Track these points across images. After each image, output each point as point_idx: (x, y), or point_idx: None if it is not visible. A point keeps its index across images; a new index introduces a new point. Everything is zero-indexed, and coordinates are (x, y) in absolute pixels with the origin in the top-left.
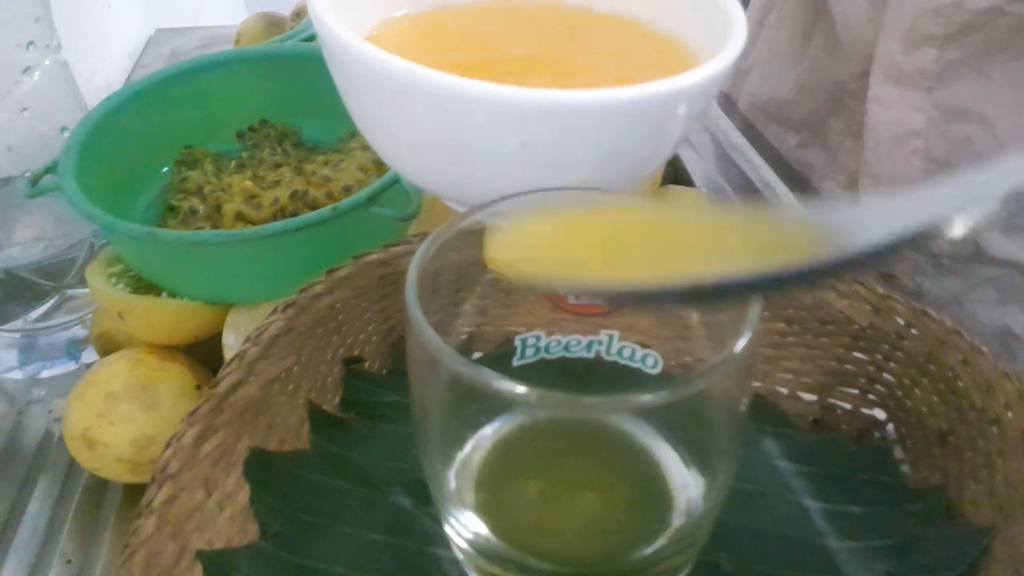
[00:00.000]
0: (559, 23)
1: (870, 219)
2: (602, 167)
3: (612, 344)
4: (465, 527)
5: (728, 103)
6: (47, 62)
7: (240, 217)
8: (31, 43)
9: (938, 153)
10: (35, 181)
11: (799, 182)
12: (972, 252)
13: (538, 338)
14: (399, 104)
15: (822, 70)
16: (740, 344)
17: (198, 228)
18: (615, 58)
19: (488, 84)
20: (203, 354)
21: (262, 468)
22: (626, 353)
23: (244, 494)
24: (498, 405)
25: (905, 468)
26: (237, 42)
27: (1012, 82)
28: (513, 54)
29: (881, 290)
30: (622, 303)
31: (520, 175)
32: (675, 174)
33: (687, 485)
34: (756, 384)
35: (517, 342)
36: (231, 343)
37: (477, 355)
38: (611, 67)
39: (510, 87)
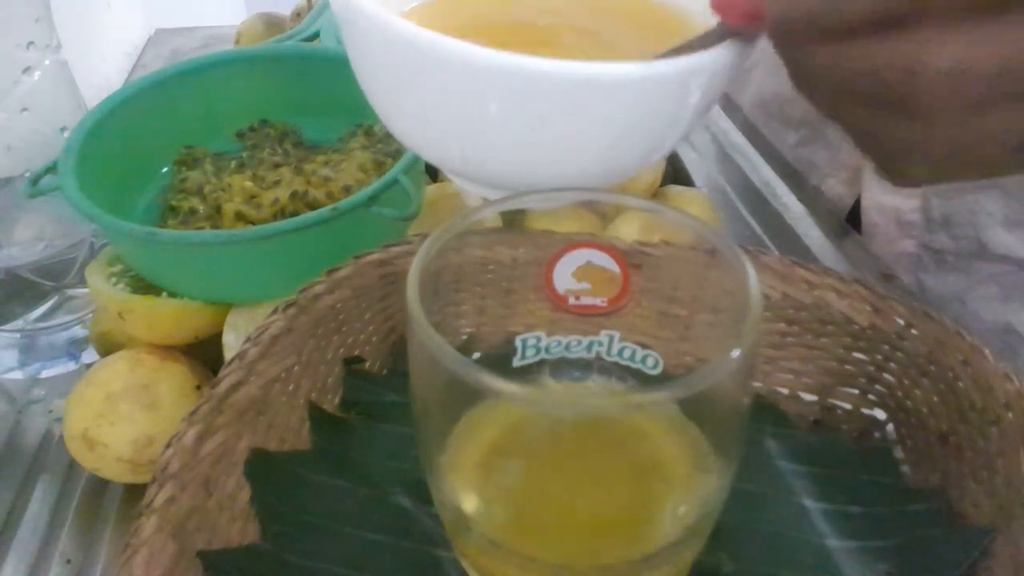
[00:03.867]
0: (578, 5)
1: None
2: (617, 145)
3: (612, 344)
4: (465, 527)
5: (729, 103)
6: (47, 62)
7: (240, 217)
8: (31, 43)
9: None
10: (35, 181)
11: (800, 181)
12: (975, 248)
13: (538, 338)
14: (419, 76)
15: None
16: (741, 345)
17: (198, 228)
18: (635, 36)
19: (511, 55)
20: (203, 354)
21: (262, 468)
22: (626, 354)
23: (244, 494)
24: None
25: (905, 468)
26: (237, 42)
27: None
28: (532, 34)
29: (881, 290)
30: None
31: (537, 152)
32: (675, 174)
33: (687, 485)
34: (756, 384)
35: (517, 342)
36: (231, 343)
37: (477, 355)
38: (631, 45)
39: (533, 58)
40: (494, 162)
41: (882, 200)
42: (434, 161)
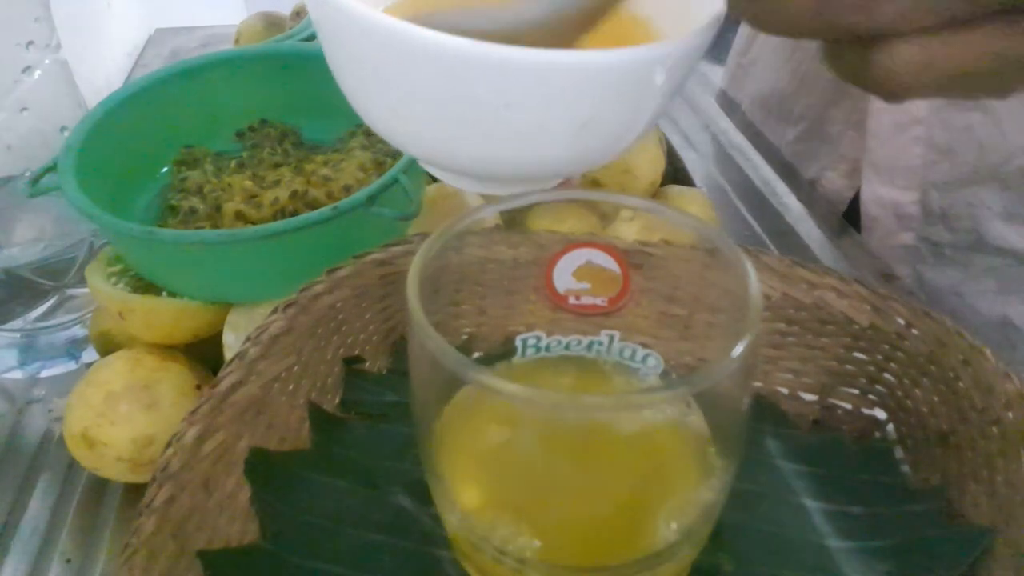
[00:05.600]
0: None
1: None
2: (581, 135)
3: (612, 344)
4: (465, 527)
5: (728, 103)
6: (47, 62)
7: (240, 217)
8: (31, 43)
9: (940, 141)
10: (35, 180)
11: (800, 181)
12: (973, 241)
13: (538, 338)
14: (380, 62)
15: None
16: (741, 345)
17: (198, 228)
18: (598, 38)
19: (476, 42)
20: (203, 354)
21: (262, 468)
22: (626, 353)
23: (244, 494)
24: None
25: (905, 468)
26: (237, 42)
27: None
28: (497, 34)
29: (882, 290)
30: None
31: (502, 139)
32: (675, 174)
33: (687, 485)
34: (756, 384)
35: (518, 342)
36: (231, 343)
37: (477, 355)
38: (595, 46)
39: (496, 45)
40: (462, 149)
41: (881, 193)
42: (405, 150)
